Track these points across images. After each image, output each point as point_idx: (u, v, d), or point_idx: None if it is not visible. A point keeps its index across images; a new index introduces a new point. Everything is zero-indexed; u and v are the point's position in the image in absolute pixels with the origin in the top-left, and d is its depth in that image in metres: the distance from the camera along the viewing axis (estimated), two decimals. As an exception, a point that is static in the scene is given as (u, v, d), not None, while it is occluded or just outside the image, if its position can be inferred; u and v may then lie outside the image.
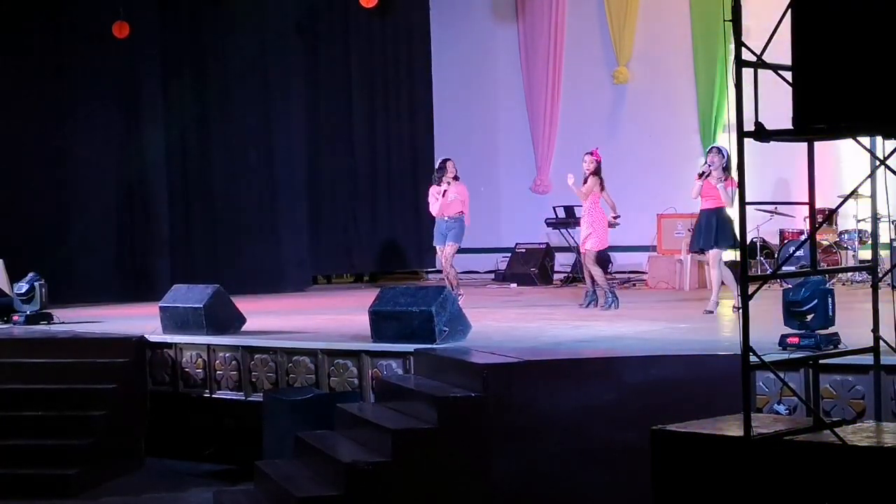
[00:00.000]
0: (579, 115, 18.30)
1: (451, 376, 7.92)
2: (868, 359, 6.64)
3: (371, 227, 18.13)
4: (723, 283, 11.21)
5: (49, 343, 10.80)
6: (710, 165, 11.20)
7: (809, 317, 7.49)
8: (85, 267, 15.06)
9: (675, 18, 17.35)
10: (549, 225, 17.23)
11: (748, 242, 13.42)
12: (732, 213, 11.40)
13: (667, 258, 15.45)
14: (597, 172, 12.10)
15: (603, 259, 17.28)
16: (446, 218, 12.67)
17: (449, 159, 12.97)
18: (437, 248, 12.91)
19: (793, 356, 7.13)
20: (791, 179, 15.04)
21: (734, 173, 10.41)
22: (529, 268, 16.69)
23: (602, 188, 12.12)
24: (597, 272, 12.14)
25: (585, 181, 12.11)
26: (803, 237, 13.01)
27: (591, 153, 12.32)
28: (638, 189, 16.78)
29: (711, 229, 11.09)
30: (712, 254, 11.16)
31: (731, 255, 11.87)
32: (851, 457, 5.45)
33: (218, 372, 10.07)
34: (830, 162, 14.24)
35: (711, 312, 10.95)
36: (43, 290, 12.00)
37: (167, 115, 15.78)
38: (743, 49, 5.74)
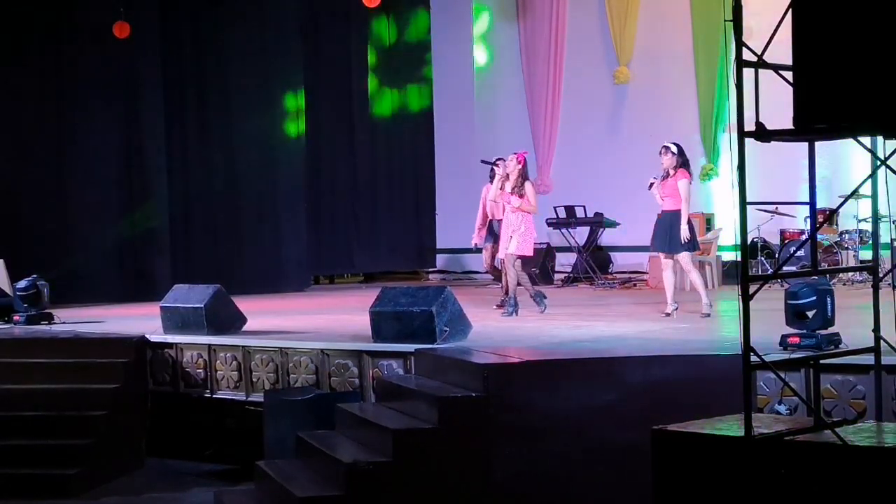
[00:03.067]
0: (580, 114, 18.30)
1: (452, 376, 7.92)
2: (869, 359, 6.65)
3: (371, 227, 18.14)
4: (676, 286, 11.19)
5: (50, 343, 10.80)
6: (663, 167, 10.90)
7: (810, 315, 7.48)
8: (86, 267, 15.06)
9: (676, 18, 17.36)
10: (549, 225, 17.22)
11: (748, 242, 13.41)
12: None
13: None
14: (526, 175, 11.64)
15: (603, 259, 17.34)
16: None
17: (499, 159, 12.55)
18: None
19: (794, 356, 7.14)
20: (794, 179, 15.01)
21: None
22: (530, 268, 16.67)
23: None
24: (523, 277, 11.60)
25: (521, 187, 11.45)
26: (804, 237, 13.01)
27: (517, 155, 11.77)
28: (638, 189, 16.74)
29: (669, 232, 10.86)
30: (682, 259, 10.95)
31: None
32: (852, 457, 5.45)
33: (219, 372, 10.07)
34: (831, 161, 14.23)
35: (708, 315, 10.85)
36: (45, 290, 12.01)
37: (168, 114, 15.78)
38: (744, 49, 5.74)
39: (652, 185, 10.98)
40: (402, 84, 18.73)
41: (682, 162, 11.05)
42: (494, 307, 12.16)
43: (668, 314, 10.87)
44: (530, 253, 11.87)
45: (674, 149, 11.02)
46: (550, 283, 16.74)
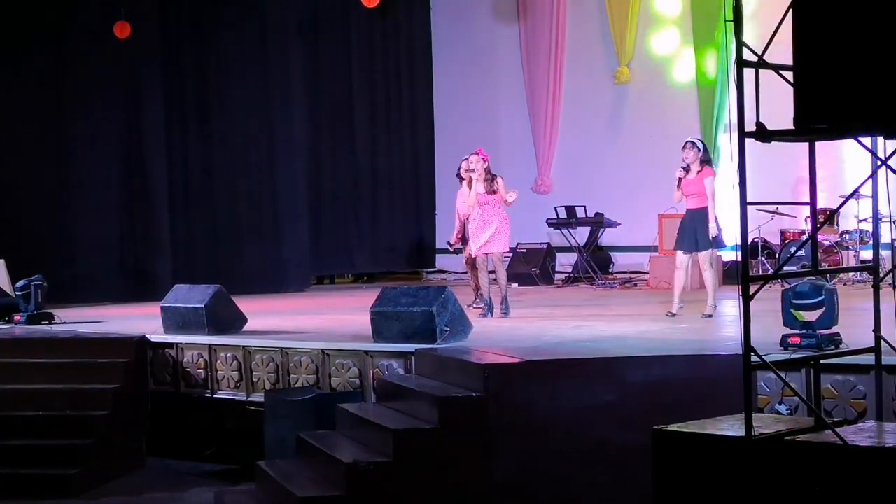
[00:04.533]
0: (580, 115, 18.32)
1: (453, 376, 7.92)
2: (869, 359, 6.65)
3: (372, 227, 18.15)
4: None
5: (50, 343, 10.79)
6: (685, 162, 10.75)
7: (817, 314, 7.48)
8: (86, 267, 15.08)
9: (677, 18, 17.38)
10: (550, 225, 17.24)
11: (749, 242, 13.40)
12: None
13: (668, 258, 15.38)
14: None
15: (603, 259, 17.35)
16: None
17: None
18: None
19: (794, 356, 7.13)
20: (794, 179, 15.03)
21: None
22: (531, 268, 16.70)
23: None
24: (503, 275, 11.46)
25: (492, 185, 11.21)
26: (804, 237, 13.01)
27: (478, 153, 11.44)
28: (639, 189, 16.80)
29: (696, 230, 10.74)
30: (702, 256, 10.86)
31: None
32: (853, 457, 5.45)
33: (219, 372, 10.07)
34: (832, 162, 14.24)
35: (710, 316, 10.80)
36: (38, 290, 11.99)
37: (168, 114, 15.79)
38: (744, 49, 5.75)
39: (681, 180, 10.83)
40: (402, 84, 18.74)
41: (707, 159, 10.93)
42: (469, 307, 11.48)
43: (673, 314, 10.82)
44: (508, 247, 11.75)
45: (699, 145, 10.86)
46: (551, 284, 16.76)
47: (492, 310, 11.39)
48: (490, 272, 11.50)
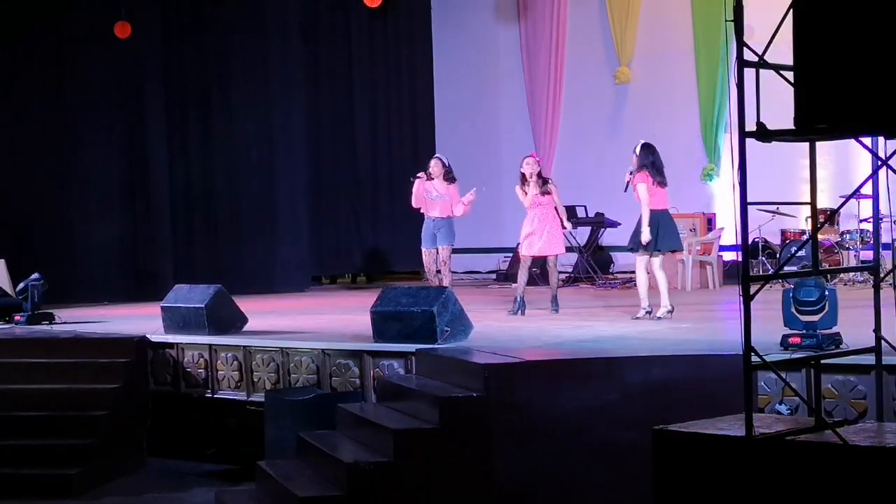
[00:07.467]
0: (581, 114, 18.30)
1: (453, 376, 7.92)
2: (870, 359, 6.65)
3: (372, 227, 18.15)
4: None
5: (51, 343, 10.80)
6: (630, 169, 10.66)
7: (819, 316, 7.47)
8: (87, 267, 15.09)
9: (677, 18, 17.37)
10: (550, 225, 17.20)
11: (750, 242, 13.40)
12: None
13: (668, 258, 15.38)
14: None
15: (604, 259, 17.33)
16: (434, 218, 12.27)
17: (434, 157, 12.67)
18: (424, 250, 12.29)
19: (794, 356, 7.12)
20: (795, 179, 15.01)
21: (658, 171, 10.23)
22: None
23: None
24: (556, 275, 11.95)
25: (545, 186, 11.68)
26: (805, 237, 13.00)
27: (531, 156, 12.09)
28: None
29: (656, 233, 10.58)
30: (656, 259, 10.74)
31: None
32: (853, 457, 5.45)
33: (220, 372, 10.07)
34: (832, 162, 14.24)
35: (670, 313, 10.65)
36: (35, 290, 11.99)
37: (169, 115, 15.80)
38: (745, 49, 5.75)
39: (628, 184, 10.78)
40: (402, 84, 18.74)
41: (644, 163, 10.56)
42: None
43: (670, 311, 10.73)
44: (563, 249, 12.12)
45: (636, 148, 10.64)
46: (551, 283, 16.73)
47: (522, 308, 11.56)
48: (532, 269, 12.02)
